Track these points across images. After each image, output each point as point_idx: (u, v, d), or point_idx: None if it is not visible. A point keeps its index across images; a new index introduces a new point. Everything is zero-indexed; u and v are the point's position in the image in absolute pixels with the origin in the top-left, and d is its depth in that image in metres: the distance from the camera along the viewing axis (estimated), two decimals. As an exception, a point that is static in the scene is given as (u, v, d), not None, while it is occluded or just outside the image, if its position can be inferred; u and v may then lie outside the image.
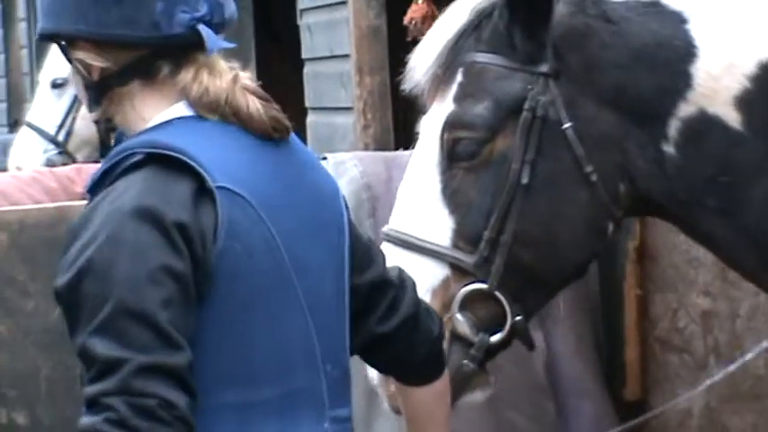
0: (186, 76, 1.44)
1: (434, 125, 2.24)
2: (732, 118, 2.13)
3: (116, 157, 1.40)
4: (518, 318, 2.18)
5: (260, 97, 1.48)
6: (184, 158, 1.35)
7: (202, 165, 1.35)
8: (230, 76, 1.46)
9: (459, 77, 2.23)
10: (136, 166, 1.36)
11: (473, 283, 2.16)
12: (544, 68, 2.16)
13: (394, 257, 2.04)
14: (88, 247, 1.30)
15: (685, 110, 2.15)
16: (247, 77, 1.51)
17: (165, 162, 1.35)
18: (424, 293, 2.01)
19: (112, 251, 1.29)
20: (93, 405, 1.25)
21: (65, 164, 4.65)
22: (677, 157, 2.16)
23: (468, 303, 2.16)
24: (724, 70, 2.14)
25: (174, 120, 1.44)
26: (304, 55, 5.72)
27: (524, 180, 2.14)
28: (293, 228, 1.47)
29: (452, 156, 2.20)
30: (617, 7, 2.21)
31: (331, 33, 5.26)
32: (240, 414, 1.41)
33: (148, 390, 1.23)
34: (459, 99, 2.21)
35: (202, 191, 1.35)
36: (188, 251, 1.31)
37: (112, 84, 1.46)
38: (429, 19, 4.42)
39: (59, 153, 5.05)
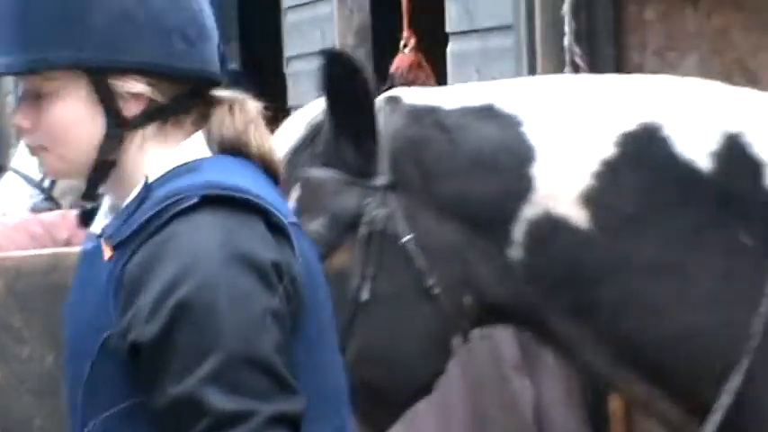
0: (213, 112, 1.38)
1: None
2: (578, 217, 2.08)
3: (163, 203, 1.26)
4: None
5: None
6: (249, 197, 1.27)
7: (266, 202, 1.29)
8: (254, 113, 1.40)
9: (296, 193, 2.13)
10: (192, 209, 1.25)
11: None
12: (380, 181, 2.11)
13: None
14: (173, 294, 1.20)
15: (529, 212, 2.09)
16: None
17: (228, 203, 1.26)
18: None
19: (210, 296, 1.20)
20: None
21: (50, 210, 4.64)
22: (525, 261, 2.10)
23: None
24: (565, 170, 2.10)
25: (205, 159, 1.35)
26: (290, 102, 5.75)
27: (364, 296, 2.08)
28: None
29: None
30: (451, 114, 2.17)
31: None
32: None
33: None
34: (297, 215, 1.85)
35: (272, 227, 1.28)
36: (283, 291, 1.25)
37: (150, 120, 1.35)
38: (415, 68, 4.73)
39: (45, 199, 5.03)
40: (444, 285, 2.09)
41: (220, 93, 1.41)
